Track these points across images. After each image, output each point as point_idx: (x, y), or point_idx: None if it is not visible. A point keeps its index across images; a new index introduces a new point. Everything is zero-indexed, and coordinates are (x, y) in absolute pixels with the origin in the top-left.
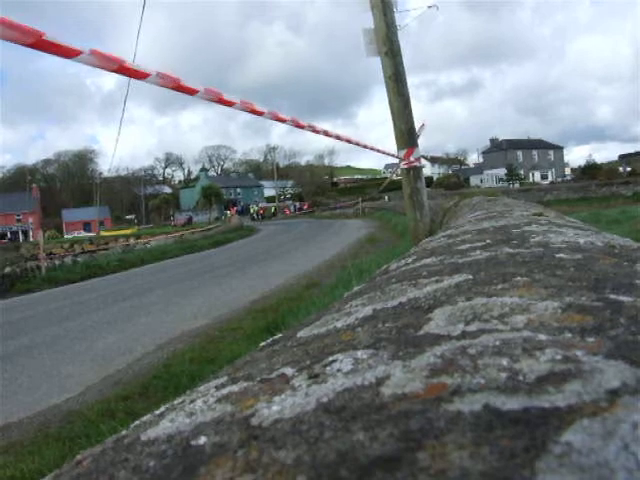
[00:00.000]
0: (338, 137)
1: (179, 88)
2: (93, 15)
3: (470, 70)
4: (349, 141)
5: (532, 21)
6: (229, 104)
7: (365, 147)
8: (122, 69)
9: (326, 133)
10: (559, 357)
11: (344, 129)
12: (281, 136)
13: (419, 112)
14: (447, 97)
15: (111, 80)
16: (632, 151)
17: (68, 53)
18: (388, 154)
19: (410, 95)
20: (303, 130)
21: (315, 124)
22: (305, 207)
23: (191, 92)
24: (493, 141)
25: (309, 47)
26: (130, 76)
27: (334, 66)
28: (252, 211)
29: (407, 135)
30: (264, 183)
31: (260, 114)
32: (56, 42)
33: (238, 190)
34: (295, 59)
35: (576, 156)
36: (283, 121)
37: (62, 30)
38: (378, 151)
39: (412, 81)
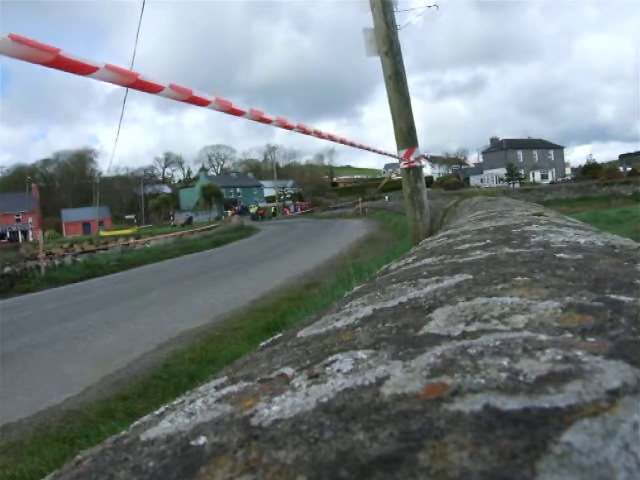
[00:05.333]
0: (343, 141)
1: (191, 100)
2: (98, 13)
3: (475, 68)
4: (352, 144)
5: (540, 19)
6: (239, 113)
7: (368, 149)
8: (137, 83)
9: (331, 138)
10: (559, 357)
11: (348, 128)
12: (283, 136)
13: (423, 111)
14: (451, 96)
15: None
16: (633, 151)
17: (85, 70)
18: (391, 155)
19: (411, 94)
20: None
21: (320, 129)
22: (301, 208)
23: (203, 103)
24: (493, 141)
25: (314, 45)
26: (144, 90)
27: (339, 64)
28: (252, 211)
29: (407, 135)
30: (264, 183)
31: (268, 122)
32: (73, 59)
33: (238, 190)
34: (300, 57)
35: (578, 156)
36: (290, 128)
37: (66, 29)
38: (380, 153)
39: (416, 79)
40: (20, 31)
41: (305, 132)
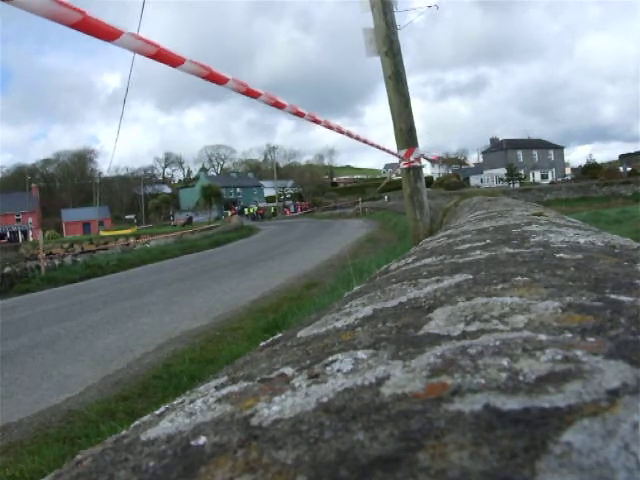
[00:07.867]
0: (350, 134)
1: (210, 77)
2: (100, 13)
3: (477, 68)
4: (358, 138)
5: (543, 19)
6: (256, 95)
7: (372, 145)
8: (159, 54)
9: (339, 130)
10: (559, 357)
11: (350, 127)
12: (285, 135)
13: (424, 111)
14: (452, 95)
15: (117, 78)
16: (633, 151)
17: (109, 35)
18: (395, 154)
19: (413, 94)
20: (313, 126)
21: (329, 120)
22: (301, 208)
23: (221, 81)
24: (493, 141)
25: (316, 45)
26: (166, 62)
27: (341, 64)
28: (248, 212)
29: (407, 135)
30: (264, 183)
31: (282, 107)
32: (100, 22)
33: (238, 190)
34: (302, 57)
35: (579, 156)
36: (302, 115)
37: (68, 29)
38: (384, 150)
39: (418, 79)
40: (21, 30)
41: (315, 121)
